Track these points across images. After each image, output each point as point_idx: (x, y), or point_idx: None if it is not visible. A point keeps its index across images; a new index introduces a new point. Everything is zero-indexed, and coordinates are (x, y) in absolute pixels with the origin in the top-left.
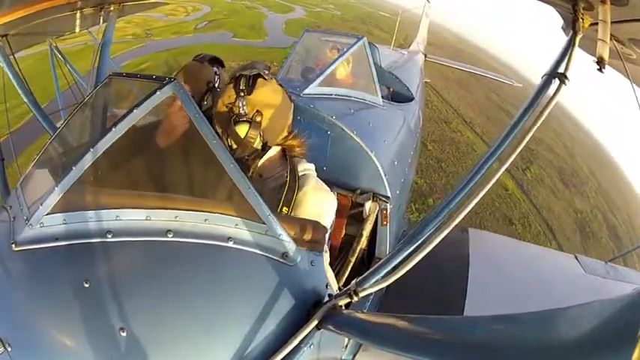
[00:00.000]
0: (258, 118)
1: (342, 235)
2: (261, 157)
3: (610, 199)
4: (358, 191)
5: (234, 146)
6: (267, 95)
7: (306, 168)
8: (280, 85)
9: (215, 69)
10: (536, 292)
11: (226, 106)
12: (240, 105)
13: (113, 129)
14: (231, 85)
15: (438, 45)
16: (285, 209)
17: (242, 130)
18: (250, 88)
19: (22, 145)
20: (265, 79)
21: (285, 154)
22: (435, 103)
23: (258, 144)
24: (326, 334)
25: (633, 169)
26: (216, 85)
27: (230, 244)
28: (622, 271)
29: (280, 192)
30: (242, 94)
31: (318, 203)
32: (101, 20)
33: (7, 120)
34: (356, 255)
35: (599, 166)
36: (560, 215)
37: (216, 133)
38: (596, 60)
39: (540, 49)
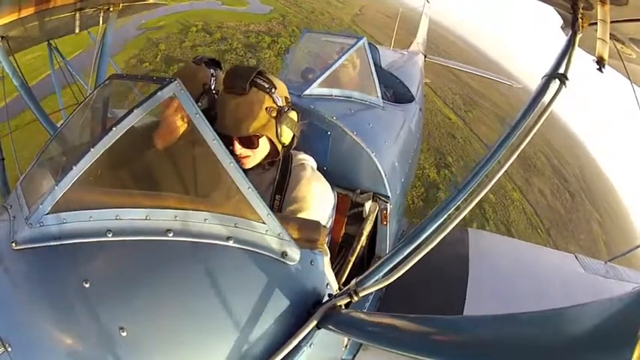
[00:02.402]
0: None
1: (342, 235)
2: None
3: (558, 152)
4: (358, 191)
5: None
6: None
7: (302, 159)
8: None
9: (212, 71)
10: (536, 292)
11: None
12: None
13: (114, 129)
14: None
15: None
16: (277, 197)
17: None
18: (271, 82)
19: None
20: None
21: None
22: None
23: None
24: (326, 334)
25: (593, 141)
26: (212, 86)
27: (230, 243)
28: (622, 271)
29: (273, 182)
30: (272, 90)
31: (311, 192)
32: (101, 21)
33: (8, 119)
34: (356, 254)
35: (550, 130)
36: None
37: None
38: (595, 60)
39: (538, 49)
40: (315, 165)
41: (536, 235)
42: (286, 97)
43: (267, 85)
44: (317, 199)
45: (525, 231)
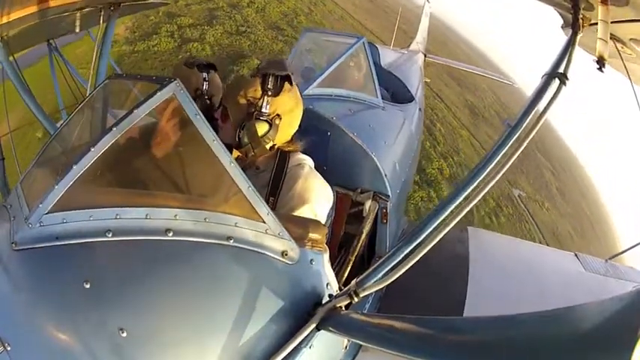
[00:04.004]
0: (277, 122)
1: (342, 234)
2: (264, 154)
3: (509, 108)
4: (358, 190)
5: (245, 139)
6: (290, 102)
7: (300, 159)
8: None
9: (204, 74)
10: (537, 291)
11: (247, 99)
12: (264, 103)
13: (114, 128)
14: (259, 81)
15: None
16: (271, 199)
17: (261, 128)
18: (277, 89)
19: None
20: (292, 83)
21: (278, 148)
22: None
23: (269, 144)
24: (326, 335)
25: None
26: (205, 90)
27: (230, 242)
28: (622, 269)
29: (267, 184)
30: (269, 93)
31: (309, 189)
32: (101, 20)
33: (7, 120)
34: (356, 253)
35: (504, 93)
36: (450, 96)
37: (224, 113)
38: (595, 59)
39: (537, 50)
40: (313, 164)
41: None
42: (277, 115)
43: (270, 86)
44: (315, 195)
45: (473, 158)
